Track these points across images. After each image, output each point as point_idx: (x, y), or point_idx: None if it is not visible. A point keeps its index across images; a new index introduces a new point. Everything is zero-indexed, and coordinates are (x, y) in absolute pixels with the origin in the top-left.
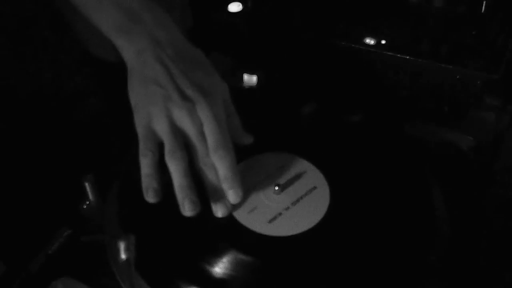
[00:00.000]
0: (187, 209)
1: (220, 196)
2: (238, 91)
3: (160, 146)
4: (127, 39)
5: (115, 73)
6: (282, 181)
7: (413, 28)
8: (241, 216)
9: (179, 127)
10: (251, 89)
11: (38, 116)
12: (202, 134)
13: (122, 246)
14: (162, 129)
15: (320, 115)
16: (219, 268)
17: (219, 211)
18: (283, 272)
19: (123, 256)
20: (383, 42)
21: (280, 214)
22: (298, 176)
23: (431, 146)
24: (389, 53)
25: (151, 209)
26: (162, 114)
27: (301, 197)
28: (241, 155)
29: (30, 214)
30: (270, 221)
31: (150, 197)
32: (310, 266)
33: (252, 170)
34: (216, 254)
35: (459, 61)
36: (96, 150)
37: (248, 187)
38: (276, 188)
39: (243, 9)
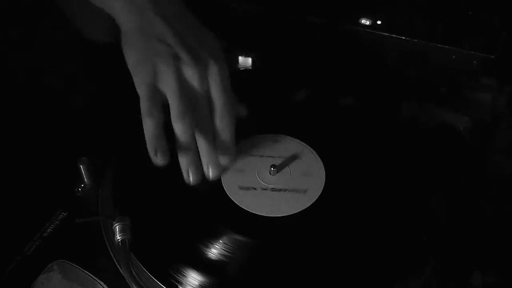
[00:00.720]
0: (193, 177)
1: (213, 158)
2: (233, 73)
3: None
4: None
5: (109, 56)
6: (277, 162)
7: (409, 9)
8: (236, 197)
9: (187, 88)
10: (246, 71)
11: (33, 100)
12: (208, 98)
13: (117, 228)
14: (170, 89)
15: (316, 97)
16: (215, 249)
17: (211, 174)
18: (278, 252)
19: (118, 237)
20: (379, 22)
21: (275, 195)
22: (293, 157)
23: (427, 127)
24: (384, 34)
25: (146, 190)
26: (170, 73)
27: (297, 178)
28: (237, 137)
29: (25, 197)
30: (266, 202)
31: (160, 159)
32: (306, 247)
33: (248, 152)
34: (212, 235)
35: (455, 41)
36: (91, 133)
37: (244, 168)
38: (272, 169)
39: None
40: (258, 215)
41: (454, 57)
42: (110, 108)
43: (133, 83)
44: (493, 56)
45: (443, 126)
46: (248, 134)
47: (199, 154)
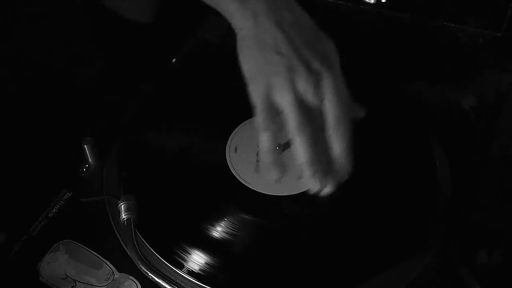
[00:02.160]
0: (320, 184)
1: (325, 174)
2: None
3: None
4: (240, 1)
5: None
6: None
7: None
8: (242, 175)
9: (302, 100)
10: None
11: (38, 79)
12: (321, 110)
13: (123, 207)
14: (285, 101)
15: None
16: (220, 227)
17: (326, 191)
18: (282, 231)
19: (124, 216)
20: (383, 0)
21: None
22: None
23: (433, 105)
24: (389, 12)
25: (151, 169)
26: (286, 86)
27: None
28: (242, 115)
29: (29, 178)
30: (272, 180)
31: (275, 174)
32: (312, 225)
33: (254, 130)
34: (217, 213)
35: (461, 19)
36: (95, 113)
37: (249, 147)
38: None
39: None
40: (262, 193)
41: (459, 35)
42: (114, 87)
43: (139, 62)
44: (499, 34)
45: (449, 105)
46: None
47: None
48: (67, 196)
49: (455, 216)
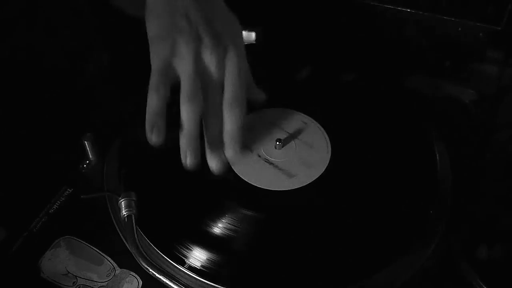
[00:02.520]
0: (189, 160)
1: (217, 149)
2: None
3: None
4: None
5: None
6: (282, 136)
7: None
8: (242, 171)
9: (202, 71)
10: (249, 45)
11: (39, 75)
12: (222, 84)
13: (123, 203)
14: (185, 69)
15: (320, 71)
16: (221, 223)
17: (214, 166)
18: (282, 226)
19: (124, 213)
20: None
21: (281, 168)
22: (299, 131)
23: (433, 100)
24: (390, 6)
25: (151, 165)
26: (188, 55)
27: (302, 152)
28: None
29: (30, 175)
30: (271, 176)
31: (155, 136)
32: (311, 220)
33: (253, 126)
34: (217, 209)
35: (461, 13)
36: (96, 109)
37: (249, 143)
38: (277, 143)
39: None
40: (263, 189)
41: (460, 29)
42: (114, 84)
43: (140, 59)
44: (499, 28)
45: (449, 99)
46: (252, 108)
47: (200, 141)
48: (67, 192)
49: (455, 210)
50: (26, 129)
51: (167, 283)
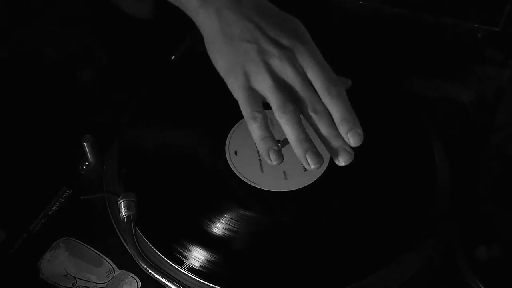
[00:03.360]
0: (312, 163)
1: (338, 142)
2: None
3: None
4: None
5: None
6: (283, 137)
7: None
8: (242, 172)
9: (282, 79)
10: None
11: (38, 76)
12: (308, 81)
13: (122, 204)
14: (265, 86)
15: None
16: (220, 224)
17: (342, 159)
18: (281, 227)
19: (124, 214)
20: None
21: (281, 169)
22: None
23: (431, 101)
24: (388, 8)
25: (151, 166)
26: (261, 70)
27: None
28: (240, 114)
29: (29, 176)
30: (270, 177)
31: (274, 160)
32: (311, 221)
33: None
34: (217, 210)
35: (460, 14)
36: (95, 111)
37: (248, 144)
38: (279, 144)
39: None
40: (261, 189)
41: (458, 30)
42: (114, 85)
43: (138, 60)
44: (497, 29)
45: (448, 100)
46: None
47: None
48: (67, 194)
49: (454, 211)
50: (26, 130)
51: (166, 284)
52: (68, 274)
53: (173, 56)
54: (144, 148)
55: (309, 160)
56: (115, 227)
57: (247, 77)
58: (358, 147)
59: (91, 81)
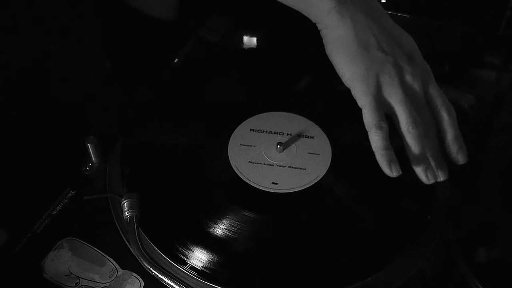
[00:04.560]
0: (431, 179)
1: (440, 163)
2: (238, 52)
3: None
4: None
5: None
6: (284, 139)
7: None
8: (243, 172)
9: (411, 95)
10: (251, 50)
11: (43, 78)
12: (427, 101)
13: (125, 204)
14: (396, 99)
15: (321, 76)
16: (222, 224)
17: (442, 176)
18: (283, 228)
19: (127, 214)
20: (383, 1)
21: (282, 171)
22: (299, 135)
23: None
24: (389, 12)
25: (153, 167)
26: (395, 83)
27: (303, 155)
28: (243, 114)
29: (34, 177)
30: (272, 178)
31: (395, 172)
32: (313, 222)
33: (254, 129)
34: (220, 211)
35: (460, 19)
36: (99, 112)
37: (250, 144)
38: (278, 146)
39: None
40: (264, 190)
41: (458, 34)
42: (117, 87)
43: (142, 62)
44: (497, 34)
45: None
46: (253, 112)
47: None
48: (70, 194)
49: (454, 213)
50: (30, 131)
51: (169, 284)
52: (72, 273)
53: (176, 59)
54: (147, 149)
55: (430, 176)
56: (118, 227)
57: (379, 87)
58: (358, 149)
59: (95, 83)
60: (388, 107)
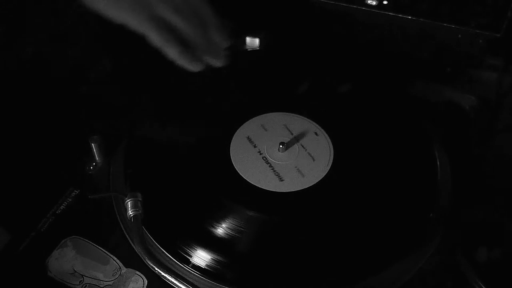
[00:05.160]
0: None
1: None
2: (241, 54)
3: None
4: None
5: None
6: (286, 139)
7: None
8: (245, 172)
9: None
10: (253, 51)
11: (47, 79)
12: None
13: (129, 203)
14: (171, 8)
15: (324, 77)
16: (226, 224)
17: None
18: (286, 227)
19: (130, 213)
20: (385, 2)
21: (284, 171)
22: (301, 135)
23: (434, 105)
24: (391, 14)
25: (157, 166)
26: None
27: (305, 155)
28: (244, 115)
29: (38, 176)
30: (275, 178)
31: (198, 67)
32: (315, 221)
33: (256, 130)
34: (223, 210)
35: (461, 20)
36: (102, 112)
37: (253, 144)
38: (281, 146)
39: None
40: (266, 190)
41: (459, 36)
42: (121, 86)
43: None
44: (498, 35)
45: (449, 105)
46: (255, 113)
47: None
48: (74, 193)
49: (455, 213)
50: (34, 131)
51: (173, 282)
52: (76, 272)
53: None
54: (150, 148)
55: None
56: (122, 226)
57: (148, 9)
58: (360, 149)
59: (97, 84)
60: (167, 19)
